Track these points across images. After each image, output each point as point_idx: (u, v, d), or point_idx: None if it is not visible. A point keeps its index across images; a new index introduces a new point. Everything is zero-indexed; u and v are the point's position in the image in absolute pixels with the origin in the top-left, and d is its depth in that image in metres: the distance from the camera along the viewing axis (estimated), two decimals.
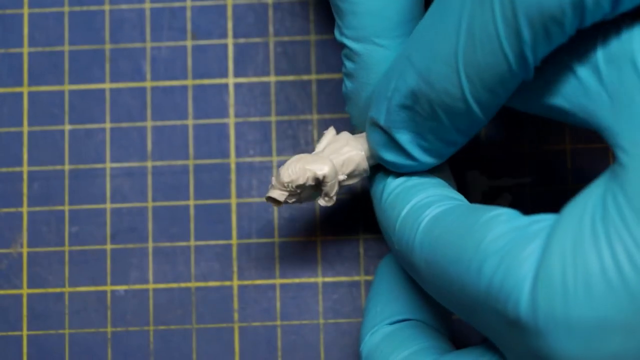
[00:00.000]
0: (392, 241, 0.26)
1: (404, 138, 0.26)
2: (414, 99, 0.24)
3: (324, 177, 0.27)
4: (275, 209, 0.34)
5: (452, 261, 0.22)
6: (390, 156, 0.26)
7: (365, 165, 0.28)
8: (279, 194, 0.28)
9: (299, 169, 0.27)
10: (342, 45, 0.27)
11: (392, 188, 0.27)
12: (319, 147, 0.28)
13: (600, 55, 0.21)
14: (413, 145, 0.26)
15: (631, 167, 0.20)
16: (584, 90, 0.22)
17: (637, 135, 0.20)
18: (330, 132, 0.29)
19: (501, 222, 0.22)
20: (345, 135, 0.28)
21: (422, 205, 0.25)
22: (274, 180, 0.28)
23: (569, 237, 0.20)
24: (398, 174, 0.27)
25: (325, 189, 0.28)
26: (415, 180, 0.26)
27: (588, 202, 0.20)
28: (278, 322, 0.34)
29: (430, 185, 0.26)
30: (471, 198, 0.33)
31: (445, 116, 0.24)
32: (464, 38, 0.22)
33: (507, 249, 0.21)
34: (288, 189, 0.28)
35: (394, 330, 0.28)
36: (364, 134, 0.28)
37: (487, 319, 0.21)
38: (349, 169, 0.28)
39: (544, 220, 0.21)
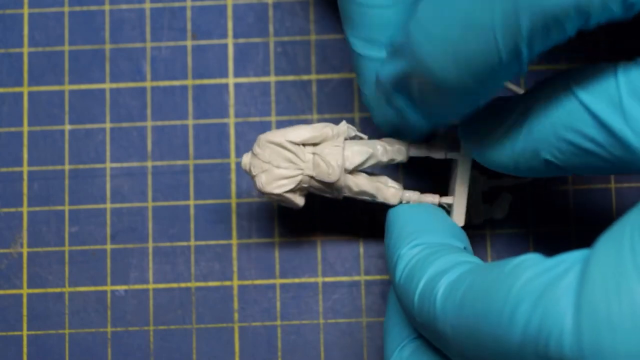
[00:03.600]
0: (412, 315, 0.25)
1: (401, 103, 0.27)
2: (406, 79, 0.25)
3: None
4: (276, 209, 0.34)
5: (481, 317, 0.21)
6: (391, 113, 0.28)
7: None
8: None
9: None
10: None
11: (405, 262, 0.26)
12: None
13: (623, 91, 0.21)
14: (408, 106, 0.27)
15: None
16: (606, 132, 0.22)
17: None
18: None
19: (528, 267, 0.21)
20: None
21: (438, 273, 0.24)
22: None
23: (610, 268, 0.19)
24: (410, 248, 0.26)
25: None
26: (428, 250, 0.26)
27: (625, 232, 0.20)
28: (278, 322, 0.34)
29: (445, 252, 0.25)
30: (471, 198, 0.33)
31: (436, 97, 0.25)
32: (459, 25, 0.22)
33: (541, 290, 0.20)
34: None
35: (422, 344, 0.27)
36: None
37: None
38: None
39: (571, 257, 0.21)
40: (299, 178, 0.28)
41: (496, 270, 0.22)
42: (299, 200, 0.29)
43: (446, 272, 0.24)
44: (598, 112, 0.22)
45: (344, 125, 0.29)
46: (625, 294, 0.19)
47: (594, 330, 0.19)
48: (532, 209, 0.34)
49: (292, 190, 0.29)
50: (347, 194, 0.29)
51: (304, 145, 0.29)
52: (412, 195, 0.30)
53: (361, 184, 0.29)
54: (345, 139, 0.29)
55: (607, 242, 0.20)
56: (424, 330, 0.25)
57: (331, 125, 0.29)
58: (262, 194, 0.29)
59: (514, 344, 0.20)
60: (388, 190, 0.29)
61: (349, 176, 0.29)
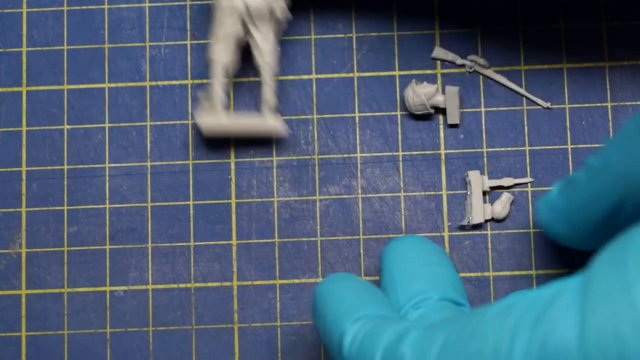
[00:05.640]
0: None
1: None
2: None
3: None
4: (275, 209, 0.34)
5: (471, 359, 0.21)
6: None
7: None
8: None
9: None
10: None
11: (352, 335, 0.25)
12: None
13: None
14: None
15: None
16: None
17: None
18: None
19: (517, 301, 0.21)
20: None
21: (396, 338, 0.24)
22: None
23: (615, 283, 0.19)
24: (353, 322, 0.26)
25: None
26: (372, 322, 0.25)
27: (629, 248, 0.20)
28: (278, 323, 0.33)
29: (390, 321, 0.25)
30: (471, 198, 0.33)
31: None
32: None
33: (537, 316, 0.20)
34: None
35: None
36: None
37: None
38: None
39: (561, 283, 0.20)
40: None
41: (477, 316, 0.22)
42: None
43: (405, 336, 0.23)
44: None
45: None
46: (634, 306, 0.18)
47: (601, 344, 0.18)
48: (533, 209, 0.34)
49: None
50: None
51: None
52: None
53: None
54: None
55: (609, 258, 0.20)
56: None
57: None
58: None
59: None
60: None
61: None
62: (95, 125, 0.35)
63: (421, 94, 0.33)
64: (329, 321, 0.27)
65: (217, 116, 0.33)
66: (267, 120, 0.33)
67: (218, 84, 0.33)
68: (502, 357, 0.20)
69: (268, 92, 0.33)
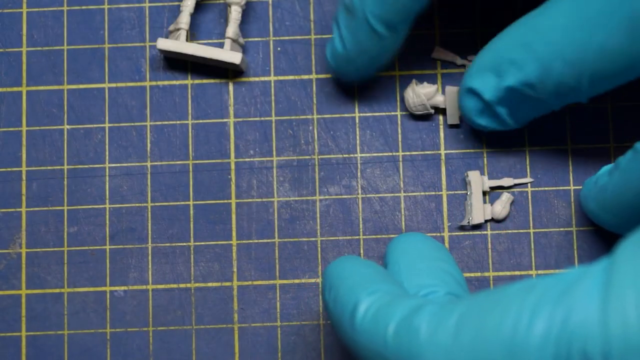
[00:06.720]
0: (382, 355, 0.24)
1: (504, 111, 0.31)
2: (530, 86, 0.28)
3: None
4: (276, 209, 0.34)
5: (490, 334, 0.21)
6: (483, 121, 0.31)
7: None
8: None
9: None
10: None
11: (367, 305, 0.25)
12: None
13: None
14: (509, 116, 0.31)
15: None
16: None
17: None
18: None
19: (539, 281, 0.21)
20: None
21: (412, 310, 0.23)
22: None
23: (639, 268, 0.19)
24: (369, 294, 0.25)
25: None
26: (389, 296, 0.25)
27: None
28: (278, 323, 0.33)
29: (407, 296, 0.25)
30: (471, 198, 0.33)
31: (554, 99, 0.29)
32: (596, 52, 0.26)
33: (560, 294, 0.20)
34: None
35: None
36: None
37: None
38: None
39: (586, 267, 0.20)
40: None
41: (498, 292, 0.22)
42: None
43: (421, 309, 0.23)
44: None
45: None
46: None
47: (624, 327, 0.18)
48: (532, 209, 0.34)
49: None
50: None
51: None
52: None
53: None
54: None
55: (634, 243, 0.20)
56: None
57: None
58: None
59: (531, 349, 0.20)
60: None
61: None
62: (95, 125, 0.35)
63: (421, 94, 0.33)
64: (342, 292, 0.26)
65: (178, 40, 0.33)
66: (225, 50, 0.33)
67: (187, 12, 0.34)
68: (522, 332, 0.20)
69: (232, 24, 0.34)
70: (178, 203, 0.34)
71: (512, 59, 0.29)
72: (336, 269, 0.28)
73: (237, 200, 0.34)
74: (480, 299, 0.22)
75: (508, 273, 0.33)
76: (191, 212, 0.34)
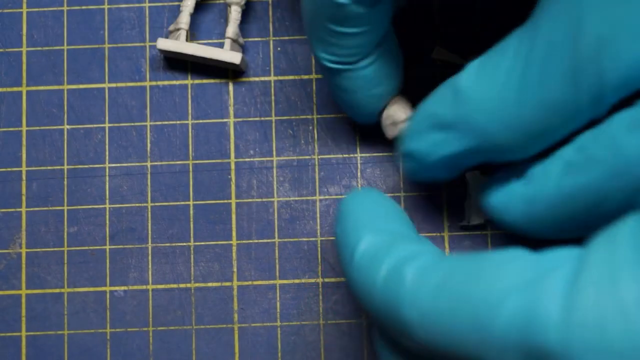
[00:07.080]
0: (371, 296, 0.24)
1: (446, 169, 0.28)
2: (470, 152, 0.27)
3: None
4: (276, 209, 0.34)
5: (463, 302, 0.21)
6: (428, 175, 0.29)
7: None
8: None
9: None
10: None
11: (368, 243, 0.25)
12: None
13: None
14: (454, 169, 0.28)
15: None
16: None
17: None
18: None
19: (517, 257, 0.21)
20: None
21: (406, 258, 0.24)
22: None
23: (606, 267, 0.19)
24: (374, 232, 0.26)
25: None
26: (391, 236, 0.25)
27: (625, 234, 0.20)
28: (278, 323, 0.33)
29: (408, 241, 0.25)
30: (471, 198, 0.33)
31: (498, 158, 0.27)
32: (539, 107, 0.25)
33: (532, 279, 0.20)
34: None
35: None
36: None
37: (503, 356, 0.21)
38: None
39: (562, 254, 0.21)
40: None
41: (481, 259, 0.22)
42: None
43: (413, 258, 0.24)
44: None
45: None
46: (619, 292, 0.19)
47: (584, 327, 0.19)
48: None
49: None
50: None
51: None
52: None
53: None
54: None
55: (605, 242, 0.20)
56: (379, 315, 0.24)
57: None
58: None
59: (496, 331, 0.20)
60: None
61: None
62: (95, 125, 0.35)
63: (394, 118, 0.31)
64: (349, 226, 0.26)
65: (178, 40, 0.34)
66: (225, 51, 0.33)
67: (187, 12, 0.34)
68: (491, 306, 0.20)
69: (232, 24, 0.34)
70: (178, 203, 0.34)
71: (448, 123, 0.27)
72: (352, 202, 0.28)
73: (237, 200, 0.34)
74: (463, 264, 0.22)
75: None
76: (191, 212, 0.34)
